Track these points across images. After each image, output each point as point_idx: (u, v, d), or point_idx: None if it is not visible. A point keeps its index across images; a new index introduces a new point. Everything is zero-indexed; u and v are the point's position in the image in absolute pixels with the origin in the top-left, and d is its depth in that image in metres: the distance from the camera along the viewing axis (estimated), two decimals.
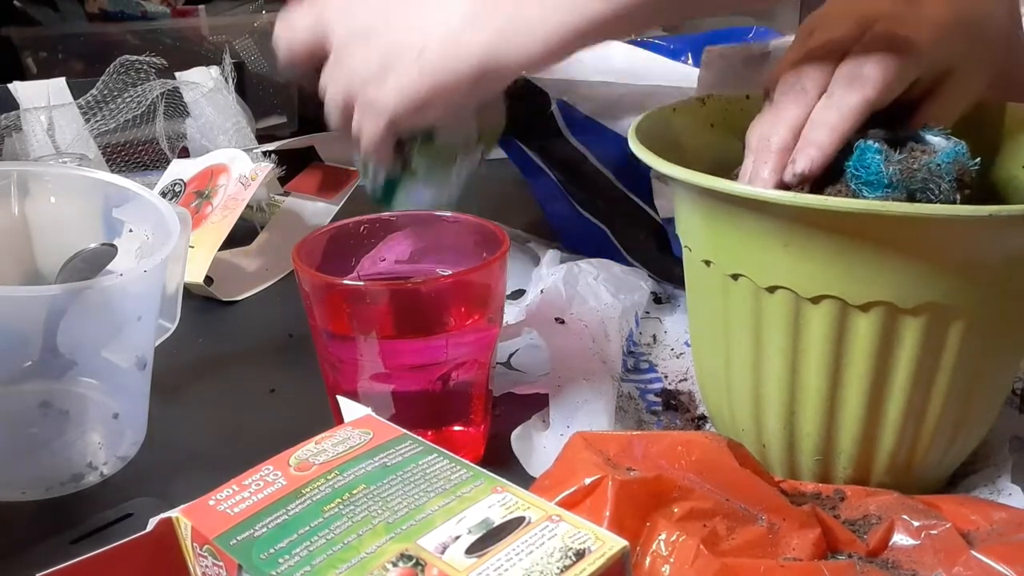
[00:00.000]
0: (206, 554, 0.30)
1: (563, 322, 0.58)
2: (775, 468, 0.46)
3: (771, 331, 0.42)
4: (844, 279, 0.39)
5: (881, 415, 0.42)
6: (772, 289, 0.41)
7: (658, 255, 0.69)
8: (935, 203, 0.41)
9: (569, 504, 0.37)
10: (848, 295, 0.40)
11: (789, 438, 0.45)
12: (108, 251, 0.51)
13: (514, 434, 0.49)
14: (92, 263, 0.50)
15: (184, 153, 0.89)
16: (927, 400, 0.42)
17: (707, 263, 0.44)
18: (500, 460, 0.48)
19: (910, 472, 0.44)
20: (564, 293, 0.61)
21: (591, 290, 0.63)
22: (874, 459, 0.44)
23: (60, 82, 0.85)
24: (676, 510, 0.37)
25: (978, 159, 0.43)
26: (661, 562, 0.36)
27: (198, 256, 0.69)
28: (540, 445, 0.49)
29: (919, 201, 0.41)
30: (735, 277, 0.43)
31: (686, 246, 0.47)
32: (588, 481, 0.38)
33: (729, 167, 0.47)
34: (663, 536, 0.36)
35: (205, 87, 0.89)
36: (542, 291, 0.62)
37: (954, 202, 0.41)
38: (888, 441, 0.43)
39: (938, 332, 0.40)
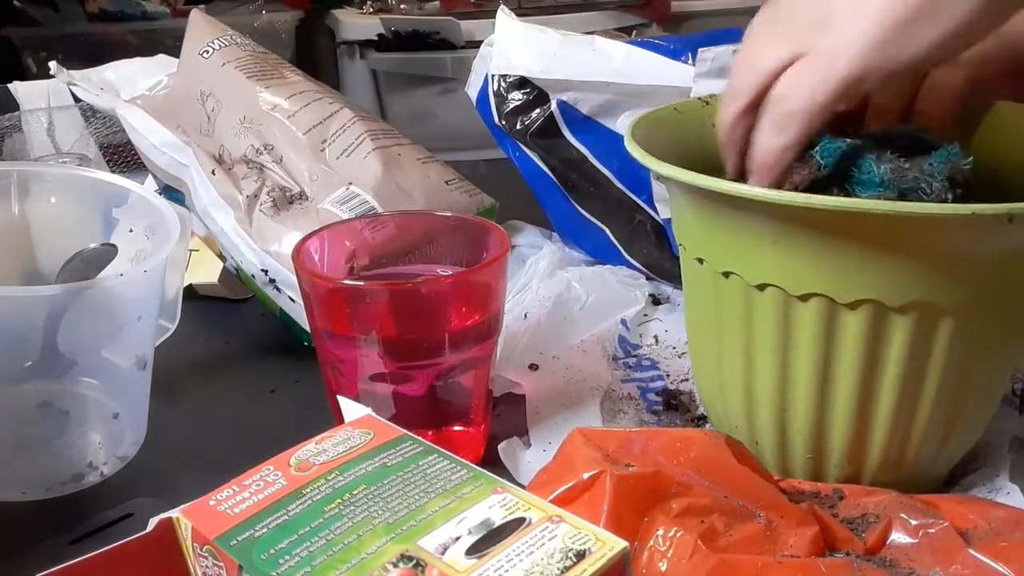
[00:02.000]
0: (206, 554, 0.30)
1: (536, 367, 0.57)
2: (768, 466, 0.46)
3: (761, 329, 0.43)
4: (832, 277, 0.39)
5: (871, 413, 0.42)
6: (762, 287, 0.41)
7: (658, 255, 0.69)
8: (926, 202, 0.41)
9: (567, 499, 0.38)
10: (836, 293, 0.40)
11: (780, 436, 0.45)
12: (108, 251, 0.51)
13: (501, 447, 0.49)
14: (92, 263, 0.50)
15: None
16: (917, 398, 0.42)
17: (700, 261, 0.45)
18: (500, 460, 0.48)
19: (902, 471, 0.44)
20: (545, 330, 0.60)
21: (576, 323, 0.62)
22: (865, 458, 0.44)
23: (60, 83, 0.84)
24: (674, 506, 0.37)
25: (970, 158, 0.43)
26: (659, 557, 0.36)
27: (210, 256, 0.69)
28: (524, 460, 0.49)
29: (911, 200, 0.41)
30: (726, 275, 0.43)
31: (680, 244, 0.47)
32: (586, 476, 0.38)
33: None
34: (661, 531, 0.37)
35: None
36: (526, 315, 0.62)
37: (946, 201, 0.41)
38: (879, 439, 0.43)
39: (926, 330, 0.40)
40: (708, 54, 0.60)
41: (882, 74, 0.38)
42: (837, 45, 0.38)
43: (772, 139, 0.40)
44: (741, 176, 0.43)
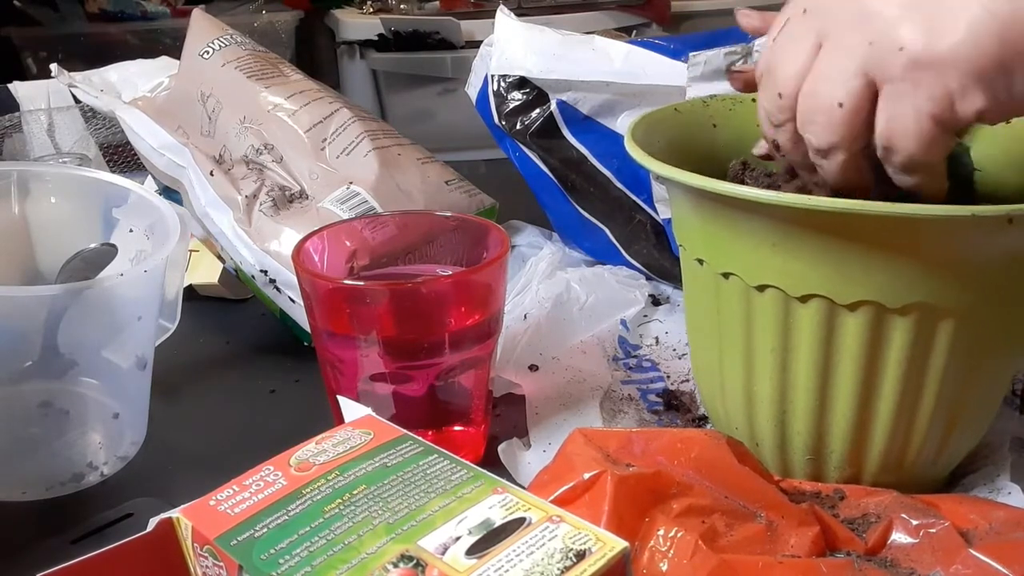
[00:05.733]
0: (207, 554, 0.30)
1: (536, 368, 0.57)
2: (769, 467, 0.46)
3: (761, 330, 0.43)
4: (831, 278, 0.39)
5: (871, 415, 0.42)
6: (762, 288, 0.41)
7: (658, 255, 0.69)
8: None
9: (568, 499, 0.38)
10: (836, 294, 0.40)
11: (780, 437, 0.45)
12: (108, 251, 0.51)
13: (500, 448, 0.49)
14: (92, 263, 0.50)
15: None
16: (917, 400, 0.42)
17: (700, 262, 0.45)
18: (500, 460, 0.48)
19: (903, 472, 0.44)
20: (545, 331, 0.60)
21: (575, 324, 0.62)
22: (865, 459, 0.44)
23: (61, 83, 0.85)
24: (675, 506, 0.37)
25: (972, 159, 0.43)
26: (660, 557, 0.36)
27: (210, 256, 0.69)
28: (524, 461, 0.49)
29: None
30: (726, 276, 0.43)
31: (681, 244, 0.47)
32: (587, 476, 0.38)
33: None
34: (662, 531, 0.37)
35: None
36: (525, 316, 0.62)
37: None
38: (879, 441, 0.43)
39: (926, 332, 0.40)
40: (699, 58, 0.60)
41: (985, 115, 0.34)
42: (924, 74, 0.34)
43: (911, 181, 0.37)
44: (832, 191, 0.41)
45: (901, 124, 0.35)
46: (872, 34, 0.35)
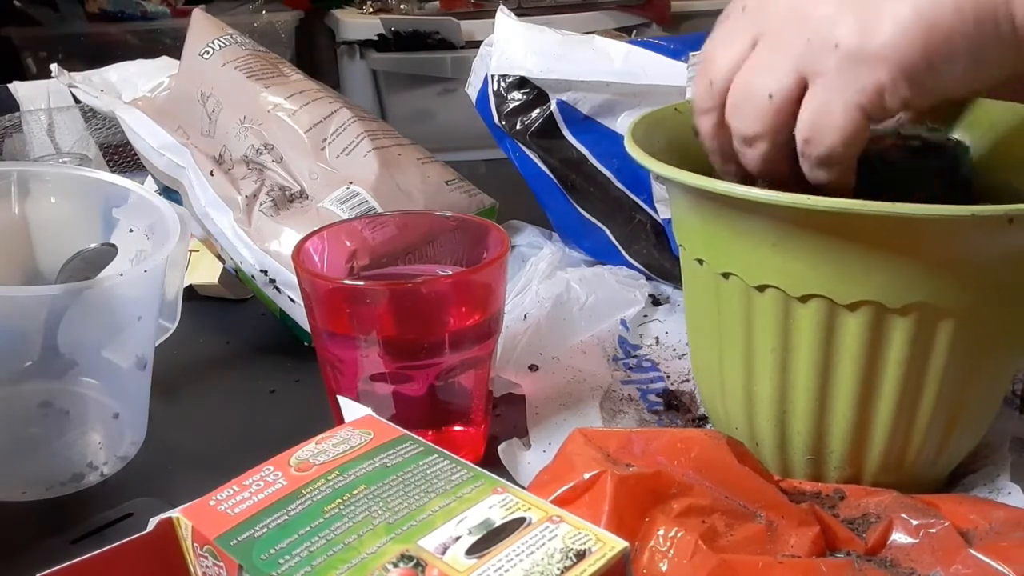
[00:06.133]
0: (207, 554, 0.30)
1: (536, 368, 0.57)
2: (768, 467, 0.46)
3: (761, 330, 0.43)
4: (831, 278, 0.39)
5: (871, 415, 0.42)
6: (761, 288, 0.41)
7: (658, 255, 0.69)
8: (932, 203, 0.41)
9: (568, 499, 0.38)
10: (836, 294, 0.40)
11: (780, 437, 0.45)
12: (108, 251, 0.51)
13: (500, 448, 0.49)
14: (92, 263, 0.50)
15: None
16: (917, 400, 0.42)
17: (700, 261, 0.45)
18: (500, 460, 0.48)
19: (902, 472, 0.44)
20: (545, 331, 0.60)
21: (575, 324, 0.62)
22: (865, 459, 0.44)
23: (61, 83, 0.85)
24: (675, 506, 0.37)
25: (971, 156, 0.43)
26: (660, 557, 0.36)
27: (210, 256, 0.69)
28: (524, 461, 0.49)
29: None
30: (726, 276, 0.43)
31: (680, 244, 0.47)
32: (587, 476, 0.38)
33: None
34: (661, 531, 0.37)
35: None
36: (525, 316, 0.61)
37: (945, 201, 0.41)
38: (879, 441, 0.43)
39: (927, 332, 0.40)
40: (699, 58, 0.60)
41: (910, 104, 0.37)
42: (857, 68, 0.36)
43: (824, 176, 0.39)
44: (743, 180, 0.43)
45: (827, 114, 0.37)
46: (809, 32, 0.37)
